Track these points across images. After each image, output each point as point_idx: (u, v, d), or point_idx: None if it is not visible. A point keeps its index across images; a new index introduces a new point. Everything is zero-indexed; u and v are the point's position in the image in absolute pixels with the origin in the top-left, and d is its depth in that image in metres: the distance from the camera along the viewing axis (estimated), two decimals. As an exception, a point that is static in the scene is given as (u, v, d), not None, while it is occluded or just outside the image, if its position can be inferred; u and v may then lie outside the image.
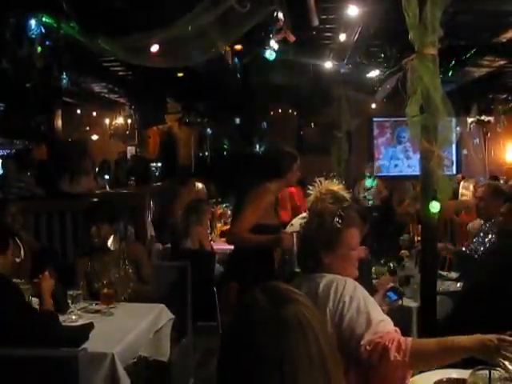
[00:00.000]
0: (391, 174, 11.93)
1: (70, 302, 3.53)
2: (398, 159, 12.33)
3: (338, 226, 2.35)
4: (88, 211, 4.35)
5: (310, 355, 1.18)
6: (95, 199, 6.26)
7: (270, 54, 6.35)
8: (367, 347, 2.02)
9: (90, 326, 3.19)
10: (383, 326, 2.09)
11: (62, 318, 3.40)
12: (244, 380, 1.18)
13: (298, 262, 2.47)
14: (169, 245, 6.50)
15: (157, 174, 11.84)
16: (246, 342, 1.20)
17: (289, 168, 4.12)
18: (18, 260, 4.18)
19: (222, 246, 6.32)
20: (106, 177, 9.70)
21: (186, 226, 5.98)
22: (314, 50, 7.78)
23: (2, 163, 7.67)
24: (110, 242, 4.09)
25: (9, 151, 10.50)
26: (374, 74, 8.14)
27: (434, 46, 3.01)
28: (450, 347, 2.01)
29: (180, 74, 8.72)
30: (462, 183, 6.57)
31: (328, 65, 7.93)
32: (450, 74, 7.53)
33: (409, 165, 12.09)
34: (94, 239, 4.06)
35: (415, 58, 3.00)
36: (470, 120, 11.49)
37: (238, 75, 8.78)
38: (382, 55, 7.45)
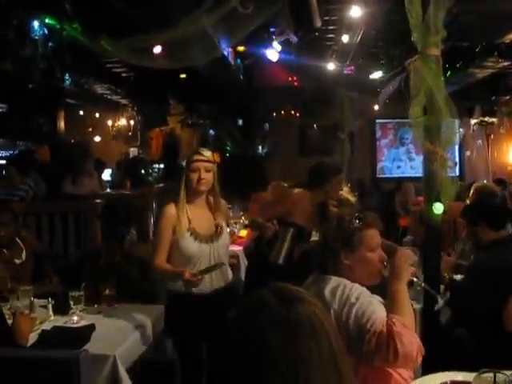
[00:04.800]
0: (394, 176, 11.89)
1: (71, 303, 3.52)
2: (401, 161, 12.29)
3: (357, 225, 2.37)
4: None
5: (322, 355, 1.17)
6: (98, 200, 6.29)
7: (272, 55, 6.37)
8: (372, 339, 2.06)
9: (91, 328, 3.18)
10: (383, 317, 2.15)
11: (63, 319, 3.40)
12: (255, 383, 1.15)
13: (316, 262, 2.46)
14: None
15: (159, 175, 11.82)
16: (257, 344, 1.17)
17: (328, 181, 4.35)
18: (17, 261, 4.17)
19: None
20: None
21: None
22: (317, 51, 7.78)
23: (5, 168, 7.59)
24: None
25: (12, 152, 10.49)
26: (376, 75, 8.14)
27: (437, 46, 3.00)
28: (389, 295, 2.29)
29: (183, 76, 8.73)
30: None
31: (331, 66, 7.93)
32: (452, 75, 7.51)
33: (411, 166, 12.05)
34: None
35: (418, 58, 2.99)
36: (473, 121, 11.45)
37: (241, 76, 8.78)
38: (385, 56, 7.44)
